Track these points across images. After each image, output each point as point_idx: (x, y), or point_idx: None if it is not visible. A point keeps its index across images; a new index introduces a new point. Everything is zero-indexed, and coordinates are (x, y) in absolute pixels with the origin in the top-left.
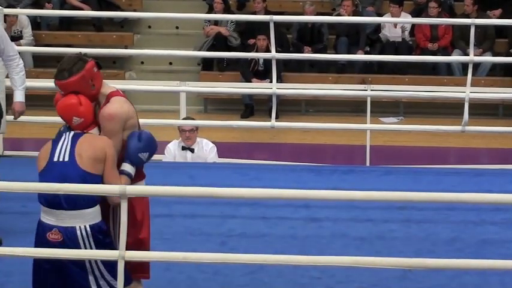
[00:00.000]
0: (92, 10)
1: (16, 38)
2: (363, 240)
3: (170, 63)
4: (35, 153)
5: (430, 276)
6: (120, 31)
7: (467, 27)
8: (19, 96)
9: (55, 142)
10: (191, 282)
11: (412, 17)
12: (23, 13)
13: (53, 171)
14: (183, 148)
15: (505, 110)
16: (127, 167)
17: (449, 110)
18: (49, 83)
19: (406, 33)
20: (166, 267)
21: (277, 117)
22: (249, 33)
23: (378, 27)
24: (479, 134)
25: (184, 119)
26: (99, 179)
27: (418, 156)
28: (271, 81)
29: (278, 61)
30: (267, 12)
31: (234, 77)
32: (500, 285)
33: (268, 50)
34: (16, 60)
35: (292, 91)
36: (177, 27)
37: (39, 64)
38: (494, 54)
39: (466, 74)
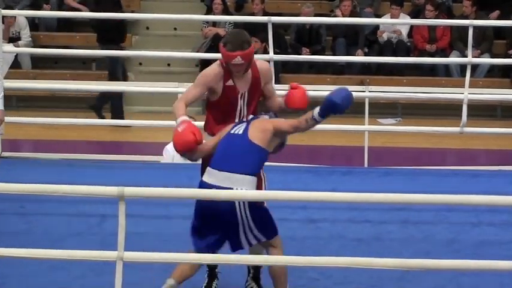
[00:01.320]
0: (90, 11)
1: (14, 39)
2: (360, 241)
3: (168, 65)
4: (33, 155)
5: (428, 277)
6: None
7: (465, 28)
8: (1, 104)
9: (236, 123)
10: (191, 283)
11: (411, 18)
12: (21, 14)
13: (227, 142)
14: None
15: (503, 111)
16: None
17: (448, 111)
18: (47, 84)
19: (404, 34)
20: (166, 269)
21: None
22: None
23: (375, 29)
24: (477, 135)
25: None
26: (263, 153)
27: (416, 158)
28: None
29: (276, 62)
30: (265, 14)
31: None
32: (498, 286)
33: (266, 51)
34: None
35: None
36: (175, 29)
37: (37, 65)
38: (493, 56)
39: (464, 75)
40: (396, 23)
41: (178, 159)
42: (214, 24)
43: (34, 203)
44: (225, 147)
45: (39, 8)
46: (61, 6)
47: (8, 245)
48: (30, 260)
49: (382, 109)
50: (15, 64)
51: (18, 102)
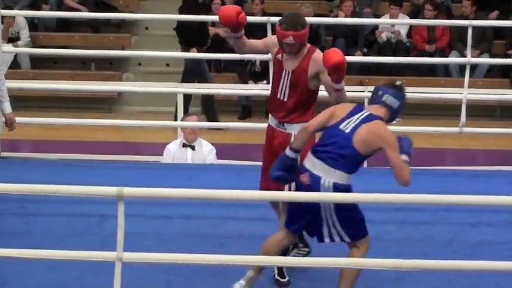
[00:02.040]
0: (89, 11)
1: (13, 40)
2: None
3: (167, 65)
4: (32, 155)
5: (427, 278)
6: (117, 32)
7: (464, 28)
8: (9, 107)
9: (351, 113)
10: (190, 283)
11: (410, 18)
12: (20, 14)
13: (333, 135)
14: (184, 145)
15: (503, 112)
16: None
17: (447, 111)
18: (46, 85)
19: (403, 34)
20: (165, 269)
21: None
22: (246, 34)
23: (375, 29)
24: (476, 135)
25: (186, 115)
26: (360, 157)
27: (416, 158)
28: (268, 83)
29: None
30: (264, 14)
31: (231, 78)
32: (496, 286)
33: None
34: (1, 71)
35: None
36: (174, 29)
37: (36, 65)
38: (492, 56)
39: (463, 76)
40: (395, 23)
41: (179, 156)
42: (214, 24)
43: (33, 203)
44: (328, 138)
45: (39, 8)
46: (60, 7)
47: (7, 245)
48: (29, 260)
49: None
50: (14, 64)
51: (17, 102)
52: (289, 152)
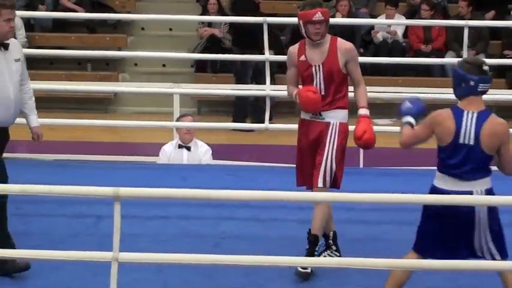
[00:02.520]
0: (85, 12)
1: None
2: (357, 242)
3: (163, 65)
4: (29, 155)
5: (425, 278)
6: (113, 33)
7: (461, 28)
8: (36, 121)
9: (458, 120)
10: (186, 283)
11: (406, 18)
12: (16, 15)
13: (458, 152)
14: (180, 146)
15: (498, 112)
16: None
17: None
18: (43, 85)
19: (400, 35)
20: (161, 269)
21: (271, 119)
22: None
23: (371, 29)
24: None
25: (181, 115)
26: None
27: (412, 158)
28: (264, 83)
29: (271, 63)
30: (261, 14)
31: (227, 78)
32: (495, 286)
33: (261, 52)
34: (29, 84)
35: (285, 93)
36: (170, 29)
37: (32, 66)
38: (488, 56)
39: None
40: (392, 23)
41: (175, 157)
42: (210, 24)
43: (30, 204)
44: (455, 157)
45: (35, 9)
46: (56, 7)
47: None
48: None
49: (378, 109)
50: None
51: None
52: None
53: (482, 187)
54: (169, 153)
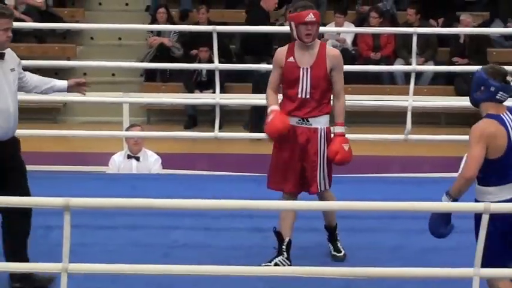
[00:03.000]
0: (34, 21)
1: None
2: (306, 250)
3: (113, 75)
4: None
5: (374, 285)
6: (62, 42)
7: (409, 36)
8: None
9: (505, 126)
10: None
11: (355, 26)
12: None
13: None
14: (129, 157)
15: (447, 119)
16: None
17: (392, 118)
18: None
19: (349, 42)
20: (111, 280)
21: (220, 128)
22: (191, 43)
23: (320, 37)
24: (421, 142)
25: (130, 126)
26: None
27: (362, 165)
28: (214, 92)
29: (221, 72)
30: (210, 23)
31: (177, 87)
32: None
33: (211, 61)
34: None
35: (235, 101)
36: (119, 38)
37: None
38: (437, 63)
39: (408, 83)
40: (341, 31)
41: (124, 167)
42: (159, 33)
43: None
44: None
45: None
46: None
47: None
48: None
49: (330, 117)
50: None
51: None
52: (445, 198)
53: None
54: (119, 163)
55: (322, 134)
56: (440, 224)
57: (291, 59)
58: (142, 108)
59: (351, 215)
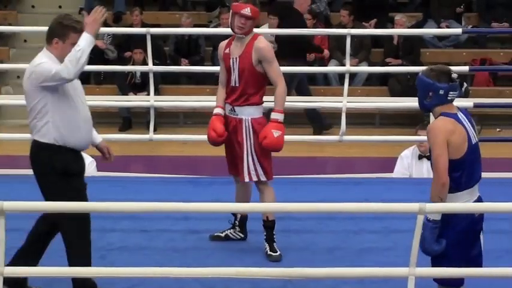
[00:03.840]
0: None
1: None
2: (243, 251)
3: None
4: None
5: (310, 286)
6: None
7: (343, 37)
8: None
9: (461, 123)
10: None
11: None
12: None
13: (475, 154)
14: None
15: (382, 119)
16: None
17: (327, 119)
18: None
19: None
20: (48, 283)
21: (155, 130)
22: (125, 46)
23: None
24: (356, 143)
25: None
26: None
27: (297, 166)
28: (148, 94)
29: (155, 74)
30: (144, 25)
31: (111, 90)
32: None
33: (145, 63)
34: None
35: (170, 103)
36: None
37: None
38: (370, 64)
39: (342, 84)
40: (275, 33)
41: None
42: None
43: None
44: (474, 163)
45: None
46: None
47: None
48: None
49: None
50: None
51: None
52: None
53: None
54: None
55: (247, 124)
56: (432, 241)
57: (227, 50)
58: (95, 111)
59: (287, 216)
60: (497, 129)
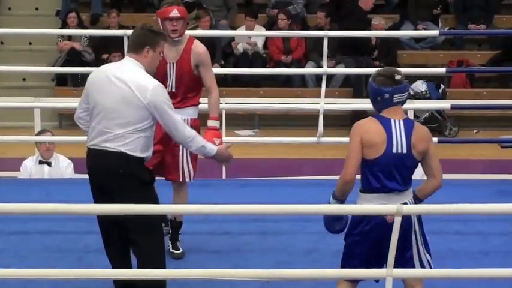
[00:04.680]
0: None
1: None
2: (220, 253)
3: (24, 79)
4: None
5: (288, 287)
6: None
7: (320, 39)
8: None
9: (388, 128)
10: None
11: (266, 29)
12: None
13: (393, 163)
14: (40, 162)
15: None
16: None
17: (304, 121)
18: None
19: (260, 46)
20: (24, 285)
21: None
22: (102, 48)
23: (231, 41)
24: (334, 144)
25: (40, 132)
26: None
27: (275, 169)
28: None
29: None
30: (121, 27)
31: None
32: None
33: None
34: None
35: None
36: (30, 43)
37: None
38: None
39: (320, 86)
40: (253, 35)
41: (36, 173)
42: (70, 38)
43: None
44: (388, 168)
45: None
46: None
47: None
48: None
49: (239, 121)
50: None
51: None
52: (332, 201)
53: (410, 197)
54: (30, 168)
55: (187, 124)
56: (334, 221)
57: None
58: (54, 112)
59: (265, 218)
60: (475, 131)
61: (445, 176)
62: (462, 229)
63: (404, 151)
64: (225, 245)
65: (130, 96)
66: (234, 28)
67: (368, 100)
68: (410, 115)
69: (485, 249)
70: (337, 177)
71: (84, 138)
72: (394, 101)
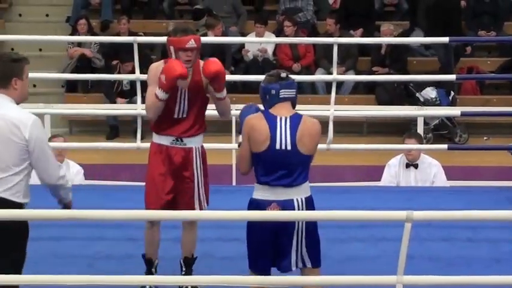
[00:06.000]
0: None
1: None
2: (230, 260)
3: (34, 86)
4: None
5: None
6: None
7: (330, 46)
8: None
9: (272, 125)
10: None
11: (276, 36)
12: None
13: (276, 159)
14: None
15: (369, 128)
16: None
17: None
18: None
19: (270, 52)
20: None
21: (142, 138)
22: (113, 54)
23: (241, 47)
24: (343, 151)
25: (53, 136)
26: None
27: None
28: (131, 100)
29: (143, 82)
30: (131, 34)
31: (98, 98)
32: None
33: (133, 71)
34: None
35: None
36: (40, 50)
37: None
38: (357, 73)
39: (329, 93)
40: (262, 42)
41: None
42: (80, 44)
43: None
44: (273, 164)
45: None
46: None
47: None
48: None
49: None
50: None
51: None
52: None
53: (302, 195)
54: None
55: (197, 153)
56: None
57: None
58: (64, 119)
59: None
60: (484, 138)
61: (455, 183)
62: (472, 236)
63: (289, 148)
64: (234, 252)
65: (9, 134)
66: (243, 35)
67: (382, 107)
68: (420, 122)
69: (496, 256)
70: (347, 183)
71: (94, 144)
72: (281, 96)
